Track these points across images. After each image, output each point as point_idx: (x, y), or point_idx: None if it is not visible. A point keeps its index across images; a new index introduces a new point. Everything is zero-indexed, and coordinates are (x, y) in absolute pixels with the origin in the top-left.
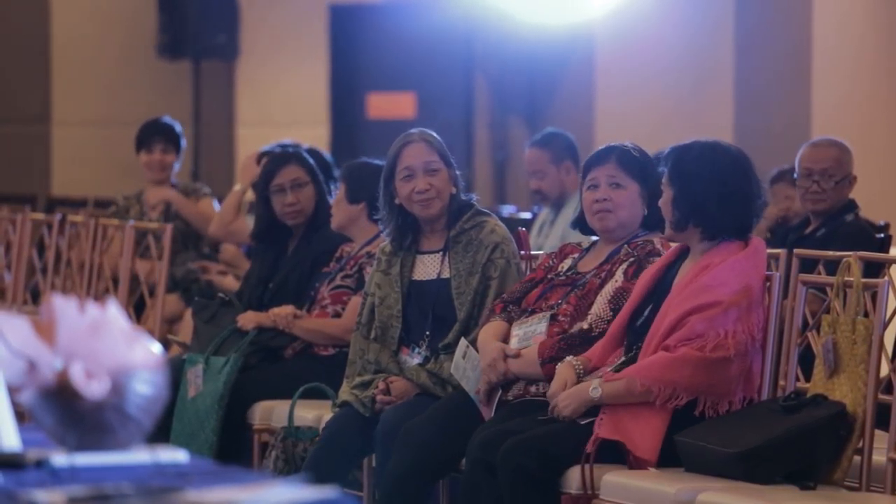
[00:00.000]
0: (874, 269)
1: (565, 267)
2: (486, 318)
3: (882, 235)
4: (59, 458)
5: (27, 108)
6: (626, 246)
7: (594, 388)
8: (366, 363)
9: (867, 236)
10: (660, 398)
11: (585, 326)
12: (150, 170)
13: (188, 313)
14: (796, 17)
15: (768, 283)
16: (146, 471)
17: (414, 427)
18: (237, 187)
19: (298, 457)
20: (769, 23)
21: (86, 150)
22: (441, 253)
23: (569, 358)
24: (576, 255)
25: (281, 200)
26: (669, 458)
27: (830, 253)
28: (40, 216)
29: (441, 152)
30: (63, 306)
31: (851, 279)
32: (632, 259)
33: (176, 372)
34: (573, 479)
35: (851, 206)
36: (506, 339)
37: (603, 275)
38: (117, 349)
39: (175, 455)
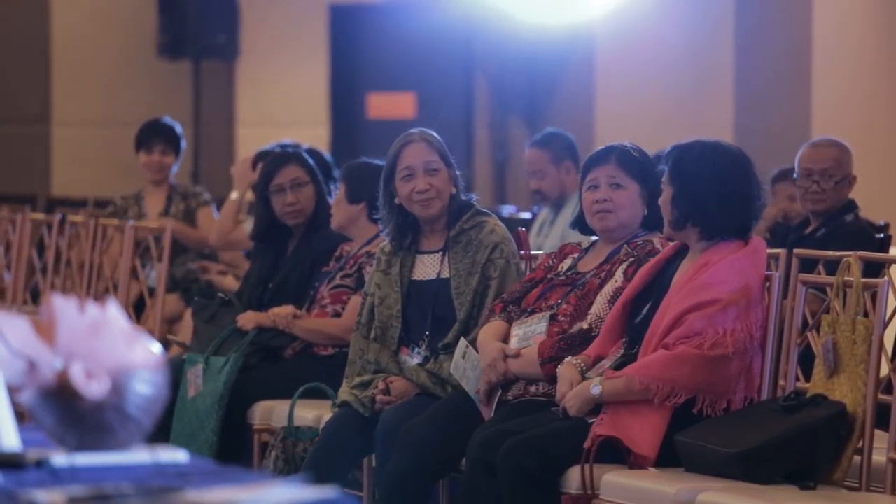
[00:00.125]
0: (874, 269)
1: (565, 267)
2: (486, 318)
3: (882, 235)
4: (59, 458)
5: (27, 108)
6: (625, 246)
7: (595, 385)
8: (365, 363)
9: (867, 236)
10: (658, 396)
11: (585, 326)
12: (148, 170)
13: (188, 313)
14: (796, 17)
15: (768, 283)
16: (146, 471)
17: (414, 427)
18: (234, 195)
19: (298, 457)
20: (769, 23)
21: (86, 150)
22: (441, 253)
23: (568, 358)
24: (576, 255)
25: (281, 200)
26: (669, 457)
27: (830, 253)
28: (40, 216)
29: (441, 152)
30: (63, 306)
31: (851, 279)
32: (632, 259)
33: (176, 372)
34: (573, 479)
35: (851, 206)
36: (506, 339)
37: (603, 275)
38: (117, 349)
39: (175, 455)
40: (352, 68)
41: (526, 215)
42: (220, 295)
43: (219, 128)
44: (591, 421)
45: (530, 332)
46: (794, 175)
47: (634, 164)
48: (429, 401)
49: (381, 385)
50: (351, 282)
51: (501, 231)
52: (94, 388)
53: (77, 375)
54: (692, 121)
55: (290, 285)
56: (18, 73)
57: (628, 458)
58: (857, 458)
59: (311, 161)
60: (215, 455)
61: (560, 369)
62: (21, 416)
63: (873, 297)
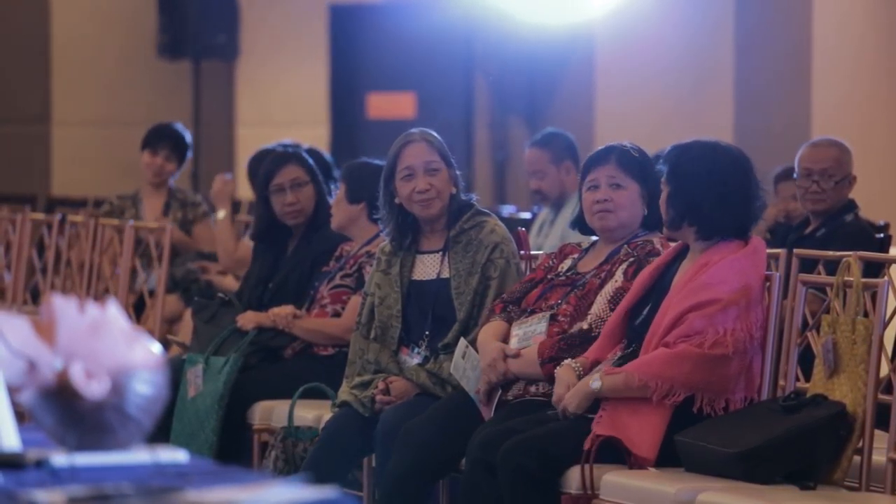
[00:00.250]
0: (874, 269)
1: (565, 267)
2: (486, 318)
3: (882, 235)
4: (59, 458)
5: (27, 108)
6: (625, 246)
7: (595, 380)
8: (365, 363)
9: (867, 236)
10: (657, 393)
11: (585, 326)
12: (149, 171)
13: (188, 313)
14: (796, 17)
15: (768, 283)
16: (146, 471)
17: (414, 427)
18: (220, 215)
19: (298, 457)
20: (769, 23)
21: (86, 150)
22: (441, 253)
23: (567, 361)
24: (576, 256)
25: (281, 200)
26: (669, 457)
27: (830, 253)
28: (40, 216)
29: (442, 152)
30: (63, 306)
31: (851, 279)
32: (632, 259)
33: (176, 372)
34: (573, 479)
35: (851, 206)
36: (506, 339)
37: (603, 275)
38: (117, 349)
39: (175, 455)
40: (352, 68)
41: (526, 215)
42: (220, 295)
43: (219, 128)
44: (590, 417)
45: (530, 332)
46: (795, 175)
47: (634, 164)
48: (429, 401)
49: (380, 385)
50: (351, 282)
51: (501, 231)
52: (94, 388)
53: (77, 375)
54: (692, 121)
55: (290, 285)
56: (18, 73)
57: (628, 458)
58: (857, 458)
59: (311, 161)
60: (215, 455)
61: (558, 371)
62: (21, 416)
63: (873, 297)
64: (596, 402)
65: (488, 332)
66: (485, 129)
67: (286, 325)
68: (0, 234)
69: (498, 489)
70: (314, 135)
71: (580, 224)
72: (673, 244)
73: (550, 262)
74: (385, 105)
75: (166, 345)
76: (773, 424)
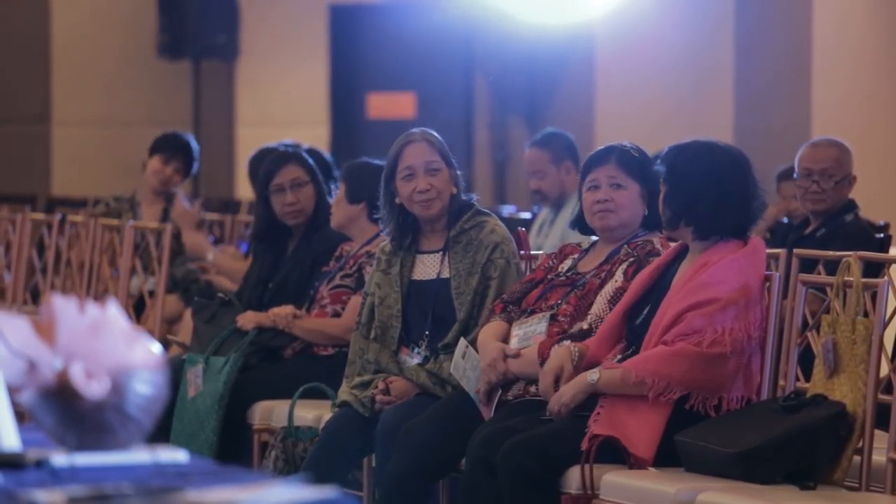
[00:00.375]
0: (874, 269)
1: (565, 267)
2: (486, 318)
3: (882, 235)
4: (59, 458)
5: (27, 108)
6: (625, 246)
7: (593, 373)
8: (365, 363)
9: (867, 236)
10: (653, 391)
11: (585, 326)
12: (154, 178)
13: (188, 313)
14: (796, 17)
15: (768, 283)
16: (146, 471)
17: (414, 427)
18: (210, 257)
19: (298, 457)
20: (769, 23)
21: (86, 150)
22: (441, 253)
23: (567, 342)
24: (576, 256)
25: (281, 200)
26: (669, 457)
27: (830, 253)
28: (40, 216)
29: (442, 152)
30: (63, 306)
31: (851, 279)
32: (632, 259)
33: (176, 372)
34: (573, 479)
35: (851, 206)
36: (506, 339)
37: (603, 275)
38: (117, 349)
39: (175, 455)
40: (352, 68)
41: (526, 215)
42: (220, 295)
43: (219, 128)
44: (586, 414)
45: (530, 333)
46: (794, 175)
47: (634, 164)
48: (429, 401)
49: (380, 385)
50: (351, 282)
51: (501, 231)
52: (94, 388)
53: (77, 375)
54: (692, 121)
55: (290, 285)
56: (18, 73)
57: (628, 458)
58: (857, 458)
59: (310, 161)
60: (215, 455)
61: (555, 348)
62: (21, 416)
63: (873, 297)
64: (591, 400)
65: (488, 332)
66: (485, 129)
67: (286, 325)
68: (0, 234)
69: (498, 489)
70: (314, 135)
71: (580, 224)
72: (673, 244)
73: (550, 263)
74: (385, 105)
75: (166, 345)
76: (773, 424)
